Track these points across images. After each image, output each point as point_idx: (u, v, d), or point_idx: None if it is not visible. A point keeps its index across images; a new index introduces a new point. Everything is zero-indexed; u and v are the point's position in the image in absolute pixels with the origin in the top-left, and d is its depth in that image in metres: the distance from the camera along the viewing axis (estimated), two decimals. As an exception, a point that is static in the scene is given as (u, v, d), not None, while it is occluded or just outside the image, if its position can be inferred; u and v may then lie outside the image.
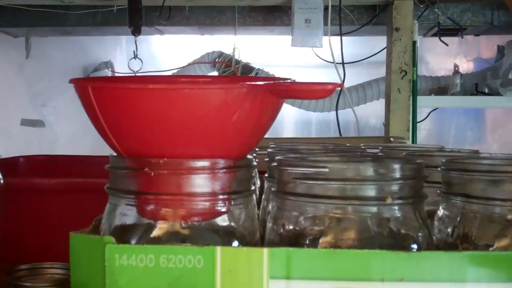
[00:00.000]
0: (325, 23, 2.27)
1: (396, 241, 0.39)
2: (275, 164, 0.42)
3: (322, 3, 2.26)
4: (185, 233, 0.41)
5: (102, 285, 0.37)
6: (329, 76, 2.72)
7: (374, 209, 0.38)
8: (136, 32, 2.35)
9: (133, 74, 2.88)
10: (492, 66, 2.67)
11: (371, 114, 3.29)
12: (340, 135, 2.38)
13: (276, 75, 3.17)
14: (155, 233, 0.41)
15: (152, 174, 0.40)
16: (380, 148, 0.71)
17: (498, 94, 2.31)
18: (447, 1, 2.48)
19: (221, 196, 0.41)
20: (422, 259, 0.35)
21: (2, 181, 0.80)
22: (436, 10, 2.39)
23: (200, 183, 0.40)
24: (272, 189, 0.43)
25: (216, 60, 3.11)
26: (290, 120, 3.57)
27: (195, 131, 0.39)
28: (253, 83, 0.43)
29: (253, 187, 0.45)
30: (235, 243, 0.42)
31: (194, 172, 0.40)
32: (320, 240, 0.39)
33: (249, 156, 0.47)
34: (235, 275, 0.36)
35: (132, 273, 0.36)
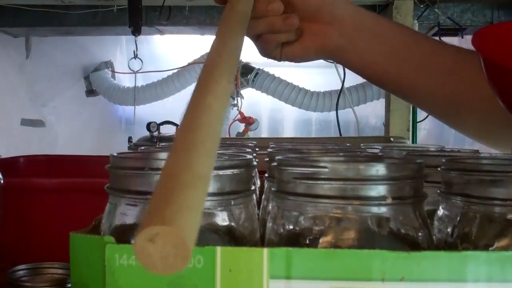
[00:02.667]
0: (325, 23, 2.27)
1: (396, 241, 0.39)
2: (275, 164, 0.42)
3: (322, 3, 2.26)
4: (185, 233, 0.41)
5: (102, 285, 0.37)
6: (329, 76, 2.72)
7: (374, 209, 0.38)
8: (136, 32, 2.35)
9: (133, 73, 2.88)
10: (492, 66, 2.67)
11: (371, 114, 3.29)
12: (340, 135, 2.38)
13: (276, 75, 3.17)
14: (155, 233, 0.41)
15: (152, 174, 0.40)
16: (380, 148, 0.71)
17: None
18: (447, 1, 2.48)
19: (221, 196, 0.41)
20: (422, 259, 0.35)
21: (2, 181, 0.80)
22: (436, 10, 2.40)
23: (200, 183, 0.40)
24: (272, 189, 0.43)
25: (216, 60, 3.11)
26: (290, 120, 3.57)
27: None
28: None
29: (253, 187, 0.45)
30: (235, 243, 0.42)
31: (194, 172, 0.40)
32: (320, 240, 0.39)
33: (249, 156, 0.47)
34: (235, 275, 0.36)
35: (132, 273, 0.36)
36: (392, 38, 0.71)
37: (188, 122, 0.32)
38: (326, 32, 0.69)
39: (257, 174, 0.60)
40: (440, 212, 0.46)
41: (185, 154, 0.29)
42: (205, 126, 0.32)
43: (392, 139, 1.79)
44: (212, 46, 0.44)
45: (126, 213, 0.42)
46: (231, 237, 0.42)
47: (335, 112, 2.43)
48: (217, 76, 0.38)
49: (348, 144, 0.76)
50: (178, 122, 3.10)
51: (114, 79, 3.46)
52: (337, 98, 2.55)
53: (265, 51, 0.71)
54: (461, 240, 0.43)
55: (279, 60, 0.71)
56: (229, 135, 2.93)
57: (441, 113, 0.78)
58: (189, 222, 0.26)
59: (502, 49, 0.43)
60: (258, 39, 0.70)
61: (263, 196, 0.58)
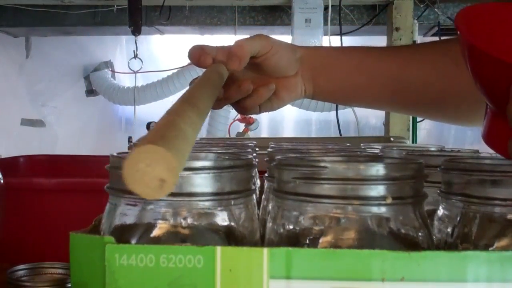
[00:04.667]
0: (325, 23, 2.27)
1: (396, 241, 0.39)
2: (275, 164, 0.42)
3: (322, 3, 2.26)
4: (185, 233, 0.41)
5: (102, 285, 0.37)
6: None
7: (374, 209, 0.38)
8: (136, 32, 2.35)
9: (133, 73, 2.88)
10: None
11: (371, 114, 3.29)
12: (340, 135, 2.38)
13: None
14: (155, 233, 0.41)
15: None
16: (380, 148, 0.72)
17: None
18: (447, 1, 2.48)
19: (221, 196, 0.41)
20: (422, 259, 0.35)
21: (2, 181, 0.80)
22: (436, 9, 2.40)
23: (200, 183, 0.40)
24: (272, 189, 0.43)
25: (216, 60, 3.10)
26: (290, 120, 3.57)
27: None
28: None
29: (253, 187, 0.45)
30: (235, 243, 0.42)
31: (194, 172, 0.40)
32: (320, 240, 0.39)
33: (249, 156, 0.47)
34: (235, 275, 0.36)
35: (132, 273, 0.36)
36: (344, 64, 0.80)
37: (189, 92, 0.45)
38: (295, 82, 0.78)
39: (257, 174, 0.60)
40: (440, 212, 0.46)
41: (183, 110, 0.38)
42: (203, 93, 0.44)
43: (392, 139, 1.79)
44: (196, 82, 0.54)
45: (126, 213, 0.42)
46: (231, 237, 0.42)
47: (335, 112, 2.43)
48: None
49: (348, 144, 0.76)
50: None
51: (114, 79, 3.46)
52: (337, 98, 2.55)
53: (244, 113, 0.81)
54: (461, 240, 0.43)
55: (258, 113, 0.80)
56: (229, 135, 2.93)
57: (420, 112, 0.88)
58: (177, 147, 0.29)
59: (487, 35, 0.42)
60: (236, 105, 0.78)
61: (263, 196, 0.58)
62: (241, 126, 3.05)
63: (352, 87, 0.79)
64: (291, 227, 0.40)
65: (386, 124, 2.34)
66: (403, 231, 0.40)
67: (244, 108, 0.77)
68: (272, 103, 0.78)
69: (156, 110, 3.11)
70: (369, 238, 0.39)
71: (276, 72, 0.76)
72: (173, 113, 0.37)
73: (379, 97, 0.80)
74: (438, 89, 0.75)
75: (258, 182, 0.62)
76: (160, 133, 0.31)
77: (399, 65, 0.77)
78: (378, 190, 0.38)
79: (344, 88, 0.79)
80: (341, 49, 0.84)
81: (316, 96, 0.80)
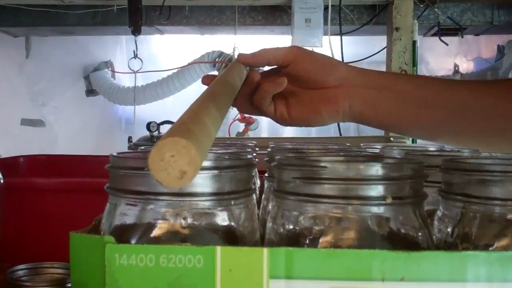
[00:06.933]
0: (325, 23, 2.27)
1: (396, 241, 0.39)
2: (275, 164, 0.42)
3: (322, 3, 2.26)
4: (185, 233, 0.41)
5: (102, 284, 0.37)
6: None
7: (374, 209, 0.38)
8: (136, 31, 2.35)
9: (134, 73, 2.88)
10: (492, 66, 2.67)
11: (371, 114, 3.28)
12: (340, 135, 2.38)
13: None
14: (155, 232, 0.41)
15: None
16: (380, 148, 0.72)
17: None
18: (447, 1, 2.48)
19: (221, 196, 0.41)
20: (422, 259, 0.35)
21: (2, 181, 0.80)
22: (436, 9, 2.39)
23: (200, 183, 0.40)
24: (272, 189, 0.43)
25: (216, 60, 3.11)
26: (290, 120, 3.57)
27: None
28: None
29: (253, 187, 0.45)
30: (235, 243, 0.42)
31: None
32: (320, 240, 0.39)
33: (249, 156, 0.47)
34: (235, 275, 0.36)
35: (132, 273, 0.36)
36: (397, 86, 0.72)
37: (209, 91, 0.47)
38: (336, 94, 0.70)
39: (257, 174, 0.60)
40: (440, 212, 0.46)
41: (206, 106, 0.39)
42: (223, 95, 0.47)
43: (392, 139, 1.79)
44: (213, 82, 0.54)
45: (126, 213, 0.42)
46: (231, 237, 0.42)
47: (335, 112, 2.42)
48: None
49: (348, 144, 0.76)
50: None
51: (114, 79, 3.46)
52: (337, 98, 2.55)
53: (259, 107, 0.71)
54: (461, 240, 0.43)
55: (285, 123, 0.72)
56: (229, 134, 2.93)
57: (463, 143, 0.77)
58: (200, 143, 0.31)
59: None
60: (248, 104, 0.71)
61: (263, 196, 0.58)
62: (241, 126, 3.04)
63: (410, 116, 0.71)
64: (291, 227, 0.40)
65: (386, 124, 2.34)
66: (403, 231, 0.40)
67: (255, 104, 0.71)
68: (308, 115, 0.71)
69: (156, 110, 3.10)
70: (369, 238, 0.39)
71: (309, 79, 0.70)
72: (197, 108, 0.38)
73: (460, 132, 0.71)
74: None
75: (258, 182, 0.62)
76: (186, 126, 0.33)
77: (463, 96, 0.69)
78: (378, 190, 0.38)
79: (400, 116, 0.72)
80: (390, 73, 0.76)
81: (365, 118, 0.72)
